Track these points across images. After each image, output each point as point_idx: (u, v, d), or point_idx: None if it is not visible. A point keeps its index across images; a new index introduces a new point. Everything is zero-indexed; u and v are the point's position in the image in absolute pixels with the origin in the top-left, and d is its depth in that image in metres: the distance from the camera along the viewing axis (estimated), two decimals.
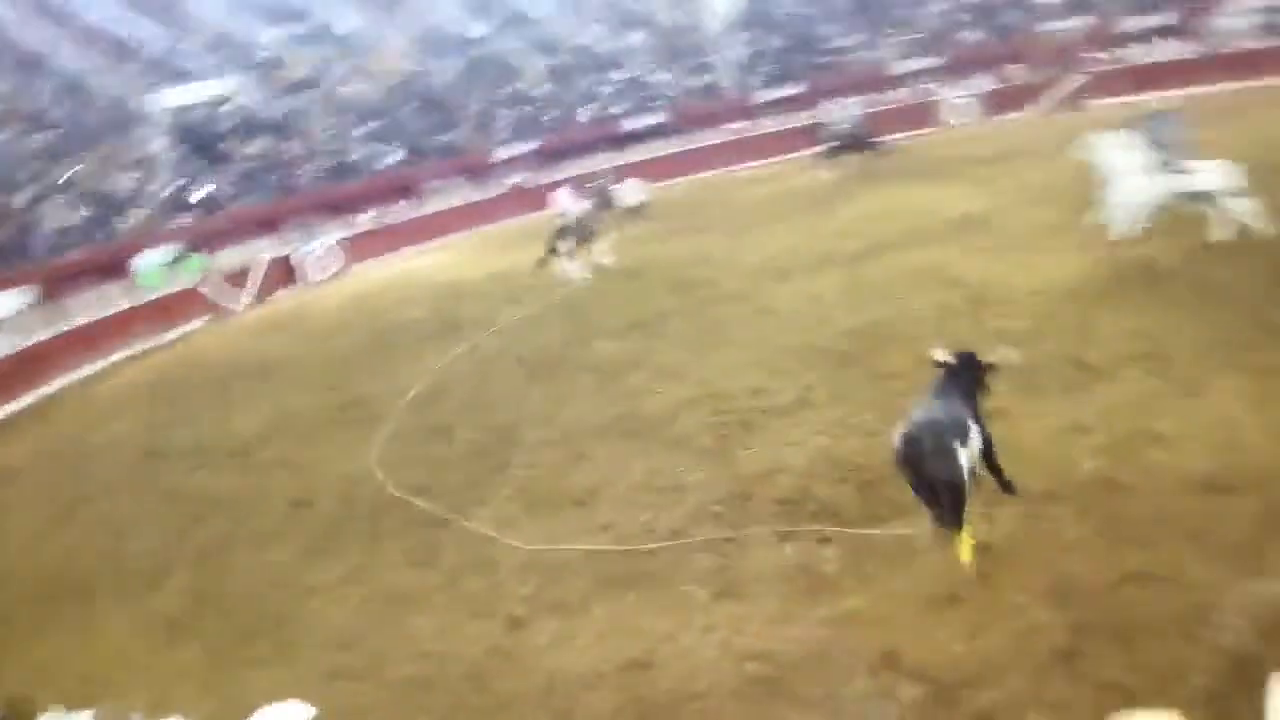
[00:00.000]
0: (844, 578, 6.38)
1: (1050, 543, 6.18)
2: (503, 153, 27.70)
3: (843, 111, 23.99)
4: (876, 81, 28.51)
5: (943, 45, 28.91)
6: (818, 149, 22.97)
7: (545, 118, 29.49)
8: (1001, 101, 26.55)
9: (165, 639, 7.49)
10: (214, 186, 24.74)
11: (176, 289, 20.62)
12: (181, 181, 24.44)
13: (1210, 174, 11.16)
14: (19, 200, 21.59)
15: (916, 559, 6.34)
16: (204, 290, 20.80)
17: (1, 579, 9.23)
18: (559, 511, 8.16)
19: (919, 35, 29.59)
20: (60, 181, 22.60)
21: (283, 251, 22.83)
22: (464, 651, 6.53)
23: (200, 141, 25.89)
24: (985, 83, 27.23)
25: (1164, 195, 11.36)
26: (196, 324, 19.97)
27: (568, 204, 19.21)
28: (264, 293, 21.69)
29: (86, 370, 17.48)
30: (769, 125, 28.09)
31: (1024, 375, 8.52)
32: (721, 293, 13.85)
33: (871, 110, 25.75)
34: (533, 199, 24.38)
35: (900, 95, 27.89)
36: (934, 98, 27.35)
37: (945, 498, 6.02)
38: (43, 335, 17.92)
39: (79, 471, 11.97)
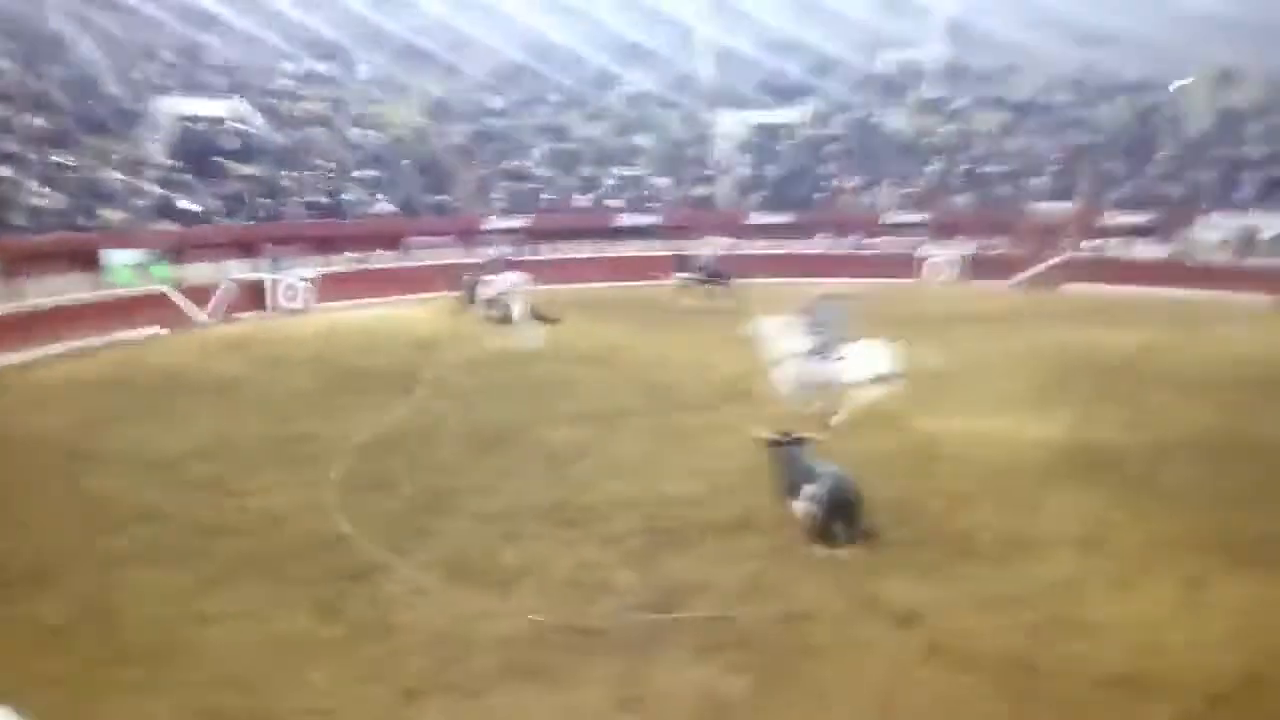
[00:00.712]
0: (750, 709, 6.25)
1: (959, 712, 6.10)
2: (493, 222, 28.06)
3: (707, 248, 25.02)
4: (864, 225, 29.40)
5: (932, 204, 29.86)
6: (678, 277, 23.51)
7: (542, 197, 29.96)
8: (980, 268, 27.34)
9: (38, 645, 7.11)
10: (202, 199, 24.68)
11: (141, 291, 20.33)
12: (170, 189, 24.35)
13: (858, 361, 11.77)
14: None
15: (831, 698, 6.25)
16: (169, 298, 20.53)
17: None
18: (480, 588, 7.97)
19: (913, 190, 30.59)
20: (49, 164, 22.41)
21: (256, 275, 22.68)
22: (352, 715, 6.28)
23: (198, 154, 25.92)
24: (967, 247, 28.07)
25: (811, 379, 11.98)
26: (154, 330, 19.64)
27: (514, 282, 19.80)
28: (229, 312, 21.45)
29: (29, 355, 17.02)
30: (757, 246, 28.62)
31: (959, 540, 8.60)
32: (683, 400, 13.89)
33: (861, 252, 26.81)
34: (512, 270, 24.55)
35: (885, 243, 28.76)
36: (917, 252, 28.13)
37: (860, 517, 8.32)
38: None
39: None
